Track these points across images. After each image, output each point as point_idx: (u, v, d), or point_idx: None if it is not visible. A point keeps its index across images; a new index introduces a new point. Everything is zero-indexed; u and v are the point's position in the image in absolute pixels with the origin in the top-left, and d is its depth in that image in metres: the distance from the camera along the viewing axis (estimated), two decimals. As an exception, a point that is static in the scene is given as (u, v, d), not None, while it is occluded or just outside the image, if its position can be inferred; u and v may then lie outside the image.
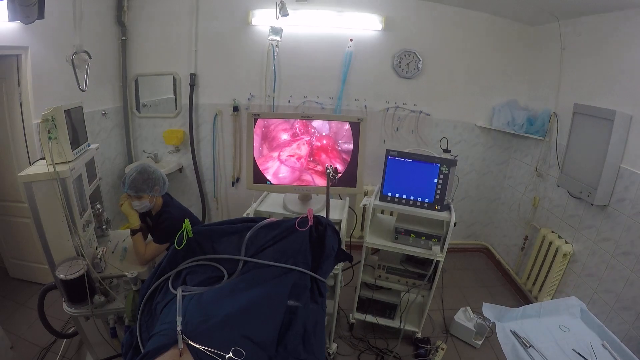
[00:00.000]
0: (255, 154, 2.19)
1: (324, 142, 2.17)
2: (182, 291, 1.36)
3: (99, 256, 2.09)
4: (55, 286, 2.10)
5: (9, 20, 2.07)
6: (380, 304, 2.79)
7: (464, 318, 2.93)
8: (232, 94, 3.79)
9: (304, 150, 2.19)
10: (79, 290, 1.91)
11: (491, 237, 4.28)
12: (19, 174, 1.82)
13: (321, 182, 2.20)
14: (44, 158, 1.91)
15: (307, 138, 2.17)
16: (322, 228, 1.62)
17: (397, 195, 2.41)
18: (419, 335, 2.77)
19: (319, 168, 2.20)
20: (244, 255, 1.48)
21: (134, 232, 2.22)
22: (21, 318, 3.06)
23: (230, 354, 1.09)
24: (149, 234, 2.43)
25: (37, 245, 3.15)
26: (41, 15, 2.20)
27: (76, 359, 2.66)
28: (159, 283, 1.49)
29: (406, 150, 2.40)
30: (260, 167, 2.21)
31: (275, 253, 1.51)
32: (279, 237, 1.55)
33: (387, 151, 2.39)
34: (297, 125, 2.16)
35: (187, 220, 1.51)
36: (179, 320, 1.18)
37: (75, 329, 2.52)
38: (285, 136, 2.18)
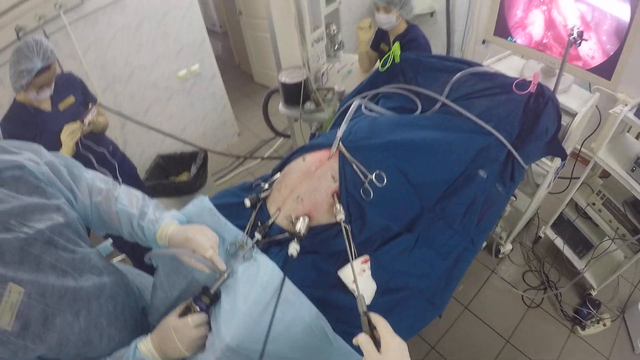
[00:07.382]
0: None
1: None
2: (365, 107, 1.38)
3: (322, 70, 2.27)
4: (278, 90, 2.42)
5: None
6: (576, 234, 2.35)
7: (648, 311, 2.21)
8: None
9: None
10: (295, 94, 2.18)
11: None
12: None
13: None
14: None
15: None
16: (543, 101, 1.33)
17: (664, 119, 1.76)
18: (593, 294, 2.27)
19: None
20: (446, 97, 1.37)
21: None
22: (253, 115, 3.84)
23: (373, 177, 1.06)
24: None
25: (277, 57, 3.71)
26: None
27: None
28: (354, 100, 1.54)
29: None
30: (508, 19, 1.88)
31: (478, 107, 1.32)
32: (490, 92, 1.35)
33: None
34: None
35: (397, 44, 1.44)
36: (343, 126, 1.20)
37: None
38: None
